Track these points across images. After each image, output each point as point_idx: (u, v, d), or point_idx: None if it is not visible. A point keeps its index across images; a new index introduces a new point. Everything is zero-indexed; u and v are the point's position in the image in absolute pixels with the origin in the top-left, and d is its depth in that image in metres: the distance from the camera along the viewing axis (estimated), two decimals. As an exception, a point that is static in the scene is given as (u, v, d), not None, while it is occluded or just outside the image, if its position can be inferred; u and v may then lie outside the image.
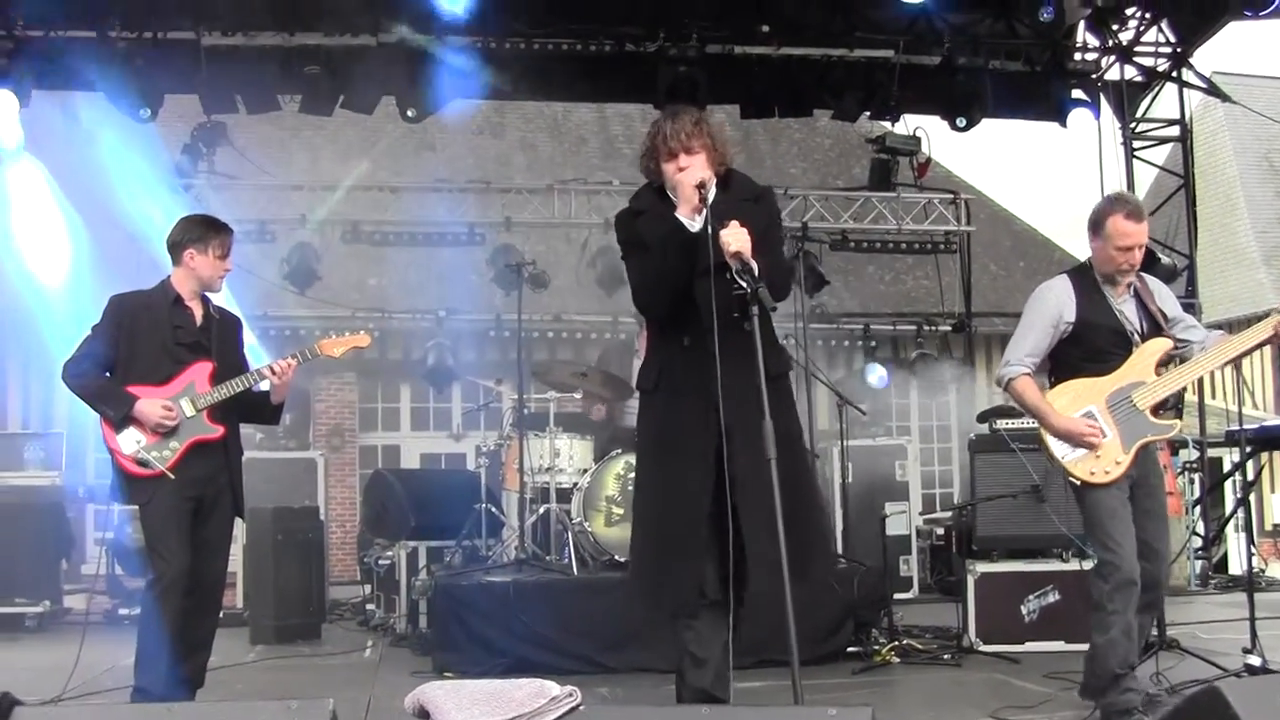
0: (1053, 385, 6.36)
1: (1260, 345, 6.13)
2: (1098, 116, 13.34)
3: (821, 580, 5.41)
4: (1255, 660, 7.00)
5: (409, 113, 11.94)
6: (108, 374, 6.42)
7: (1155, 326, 6.25)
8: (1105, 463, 6.05)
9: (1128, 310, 6.27)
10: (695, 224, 5.11)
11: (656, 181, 5.40)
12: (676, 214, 5.17)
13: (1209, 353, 6.23)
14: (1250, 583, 8.02)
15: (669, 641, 5.55)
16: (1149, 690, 6.31)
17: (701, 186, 5.10)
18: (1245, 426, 8.07)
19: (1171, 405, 6.61)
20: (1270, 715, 3.46)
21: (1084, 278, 6.33)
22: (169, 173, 12.72)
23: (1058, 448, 6.16)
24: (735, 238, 4.89)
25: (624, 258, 5.57)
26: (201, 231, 6.61)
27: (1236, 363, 6.36)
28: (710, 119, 5.49)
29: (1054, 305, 6.28)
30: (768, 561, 4.70)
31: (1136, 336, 6.21)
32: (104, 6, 11.10)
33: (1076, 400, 6.16)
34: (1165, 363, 6.23)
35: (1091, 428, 6.06)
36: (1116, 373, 6.15)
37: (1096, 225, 6.23)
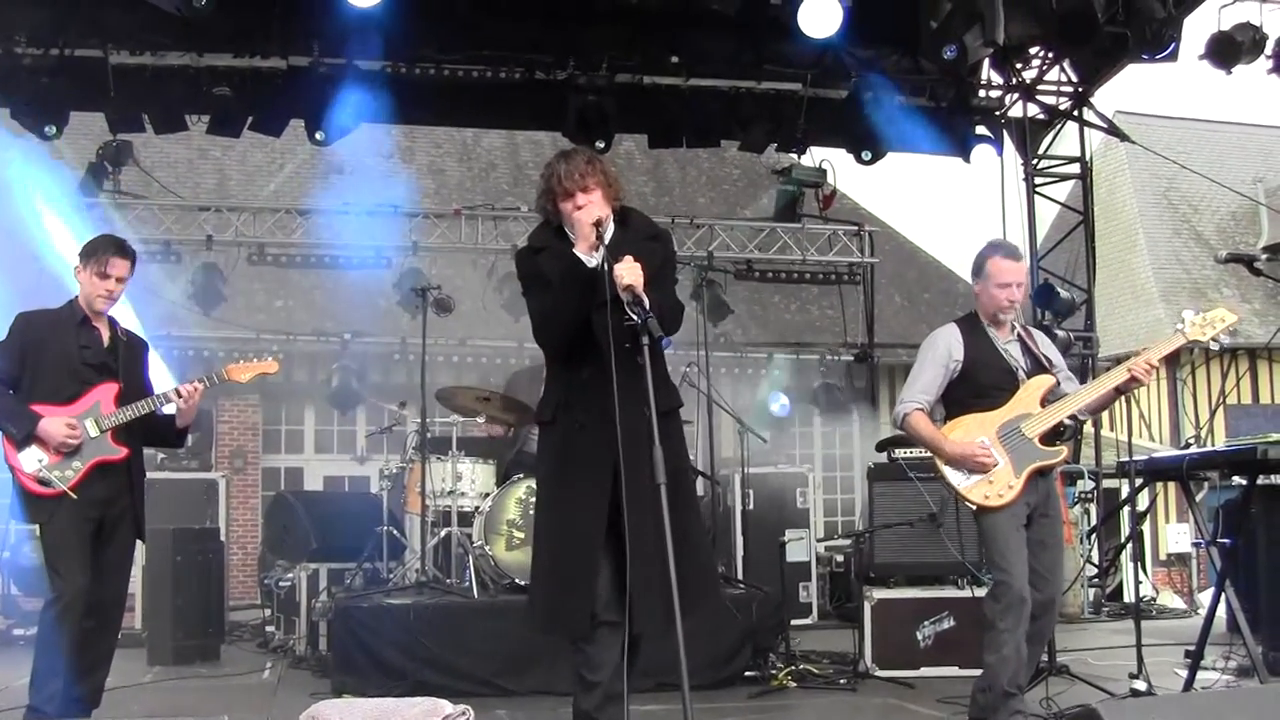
0: (947, 422, 6.63)
1: (1121, 385, 6.39)
2: (1000, 152, 13.63)
3: (704, 612, 5.48)
4: (1141, 685, 7.20)
5: (317, 136, 11.96)
6: (11, 391, 6.36)
7: (1039, 366, 6.58)
8: (999, 487, 6.33)
9: (1013, 350, 6.62)
10: (592, 260, 5.21)
11: (555, 221, 5.48)
12: (574, 250, 5.26)
13: (1084, 388, 6.58)
14: (1137, 610, 8.17)
15: (569, 664, 5.61)
16: (1037, 714, 6.46)
17: (598, 224, 5.21)
18: (1135, 458, 8.21)
19: (1069, 437, 6.86)
20: (1143, 736, 3.59)
21: (971, 322, 6.72)
22: (73, 191, 12.60)
23: (953, 475, 6.44)
24: (629, 271, 5.01)
25: (525, 293, 5.66)
26: (87, 249, 6.56)
27: (1122, 396, 6.59)
28: (607, 158, 5.57)
29: (943, 346, 6.64)
30: (651, 587, 4.87)
31: (1021, 373, 6.54)
32: (10, 22, 11.02)
33: (969, 433, 6.44)
34: (1048, 398, 6.49)
35: (982, 451, 6.32)
36: (1005, 407, 6.46)
37: (978, 269, 6.65)
